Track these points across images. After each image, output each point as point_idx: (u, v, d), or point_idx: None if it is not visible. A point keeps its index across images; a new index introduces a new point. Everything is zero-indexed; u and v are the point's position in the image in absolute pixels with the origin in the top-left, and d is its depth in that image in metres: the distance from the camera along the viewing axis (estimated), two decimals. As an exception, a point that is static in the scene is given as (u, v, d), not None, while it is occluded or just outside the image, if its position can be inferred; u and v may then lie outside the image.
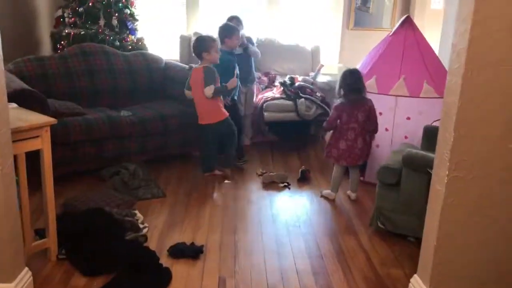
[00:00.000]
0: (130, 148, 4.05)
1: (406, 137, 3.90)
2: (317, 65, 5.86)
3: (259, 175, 4.17)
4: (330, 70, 5.97)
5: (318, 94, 4.99)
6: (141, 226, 3.11)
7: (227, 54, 4.07)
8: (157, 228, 3.17)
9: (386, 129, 3.93)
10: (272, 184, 4.01)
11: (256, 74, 5.45)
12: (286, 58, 5.78)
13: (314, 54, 5.90)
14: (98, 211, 3.01)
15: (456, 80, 2.05)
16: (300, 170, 4.16)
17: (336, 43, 6.19)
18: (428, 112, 3.87)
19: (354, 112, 3.55)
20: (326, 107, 4.90)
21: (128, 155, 4.05)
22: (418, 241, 2.65)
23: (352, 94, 3.53)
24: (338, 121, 3.61)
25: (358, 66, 4.33)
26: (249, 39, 4.76)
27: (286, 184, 4.01)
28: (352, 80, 3.54)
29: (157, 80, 4.70)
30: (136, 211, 3.25)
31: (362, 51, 6.15)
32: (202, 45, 3.75)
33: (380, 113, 3.89)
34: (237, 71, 4.13)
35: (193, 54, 3.84)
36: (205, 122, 3.89)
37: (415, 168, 2.96)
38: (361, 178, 4.05)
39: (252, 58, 4.73)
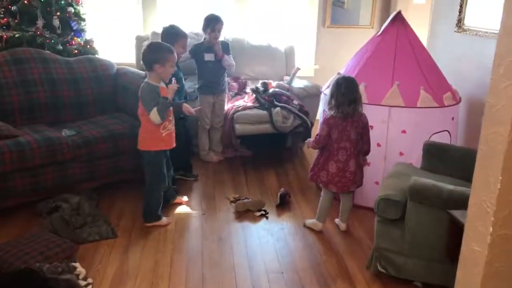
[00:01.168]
0: (74, 175, 3.35)
1: (401, 154, 3.35)
2: (291, 68, 5.25)
3: (231, 202, 3.54)
4: (306, 73, 5.40)
5: (295, 102, 4.38)
6: (82, 283, 2.45)
7: None
8: (104, 283, 2.51)
9: (378, 145, 3.36)
10: (246, 213, 3.39)
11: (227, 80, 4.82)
12: (258, 60, 5.16)
13: (288, 55, 5.29)
14: (26, 274, 2.31)
15: (504, 103, 1.47)
16: (278, 194, 3.55)
17: (312, 42, 5.61)
18: (426, 124, 3.33)
19: (346, 128, 2.96)
20: (304, 117, 4.30)
21: (71, 184, 3.36)
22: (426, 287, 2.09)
23: (346, 107, 2.93)
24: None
25: (341, 72, 3.76)
26: (225, 46, 4.15)
27: (263, 212, 3.39)
28: (347, 90, 2.93)
29: (107, 90, 4.00)
30: (77, 264, 2.57)
31: (340, 51, 5.62)
32: (156, 55, 2.88)
33: (371, 127, 3.32)
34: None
35: (141, 62, 3.07)
36: (139, 147, 3.09)
37: (425, 202, 2.40)
38: None
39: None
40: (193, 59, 4.12)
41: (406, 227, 2.50)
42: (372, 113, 3.30)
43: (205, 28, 4.00)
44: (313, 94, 4.67)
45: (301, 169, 4.28)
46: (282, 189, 3.63)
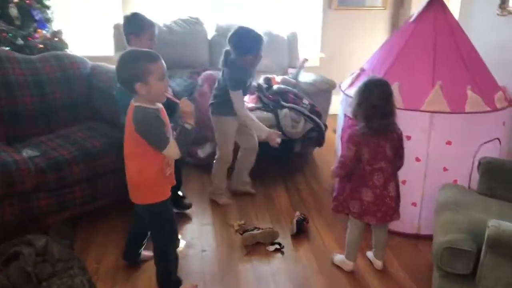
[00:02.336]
0: (40, 208, 2.66)
1: (445, 169, 2.72)
2: (295, 58, 4.59)
3: (237, 231, 2.89)
4: (310, 63, 4.70)
5: (306, 101, 3.71)
6: None
7: None
8: None
9: (417, 159, 2.72)
10: (257, 247, 2.75)
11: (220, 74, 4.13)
12: (257, 50, 4.46)
13: (291, 43, 4.61)
14: None
15: None
16: (294, 221, 2.90)
17: (317, 27, 4.91)
18: (475, 133, 2.71)
19: (380, 144, 2.32)
20: (317, 119, 3.64)
21: (37, 219, 2.68)
22: None
23: (378, 119, 2.29)
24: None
25: (365, 67, 3.09)
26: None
27: (277, 246, 2.75)
28: (379, 98, 2.26)
29: (79, 93, 3.28)
30: None
31: (350, 37, 4.96)
32: (133, 71, 1.94)
33: (408, 137, 2.68)
34: None
35: (117, 85, 2.26)
36: (133, 200, 2.21)
37: (509, 255, 1.78)
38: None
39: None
40: None
41: (479, 285, 1.87)
42: (409, 120, 2.68)
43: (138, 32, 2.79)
44: (324, 90, 4.03)
45: (313, 180, 3.64)
46: (297, 213, 2.99)
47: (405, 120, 2.65)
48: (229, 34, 2.97)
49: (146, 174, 2.07)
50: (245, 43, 2.91)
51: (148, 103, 2.00)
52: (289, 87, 3.82)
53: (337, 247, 2.75)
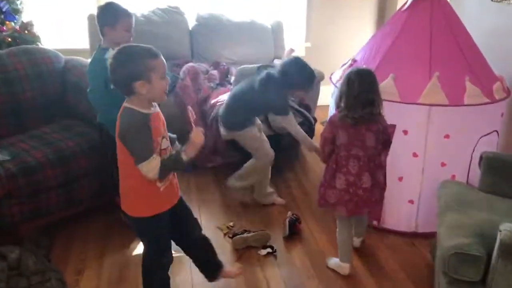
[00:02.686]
0: (12, 216, 2.46)
1: (443, 165, 2.60)
2: (280, 48, 4.43)
3: (226, 234, 2.74)
4: (296, 53, 4.52)
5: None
6: None
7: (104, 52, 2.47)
8: None
9: (415, 154, 2.59)
10: (248, 252, 2.60)
11: (202, 66, 3.95)
12: (240, 40, 4.28)
13: (276, 32, 4.44)
14: None
15: None
16: (286, 221, 2.75)
17: (302, 15, 4.73)
18: (473, 125, 2.59)
19: (360, 132, 2.23)
20: (306, 113, 3.49)
21: (9, 227, 2.48)
22: None
23: (360, 109, 2.18)
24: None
25: (358, 58, 2.93)
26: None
27: (269, 250, 2.60)
28: (362, 88, 2.17)
29: (53, 89, 3.06)
30: None
31: (336, 25, 4.79)
32: (132, 68, 1.71)
33: (405, 132, 2.56)
34: None
35: (112, 87, 1.87)
36: (123, 207, 1.96)
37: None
38: (375, 223, 2.76)
39: None
40: None
41: (491, 292, 1.76)
42: (406, 114, 2.56)
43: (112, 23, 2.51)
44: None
45: (303, 177, 3.49)
46: (289, 213, 2.84)
47: (401, 114, 2.56)
48: (284, 61, 2.76)
49: (132, 182, 1.85)
50: (301, 80, 2.72)
51: (141, 106, 1.76)
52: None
53: (332, 248, 2.61)
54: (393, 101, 2.52)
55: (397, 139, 2.53)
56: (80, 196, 2.70)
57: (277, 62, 4.12)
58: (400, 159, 2.59)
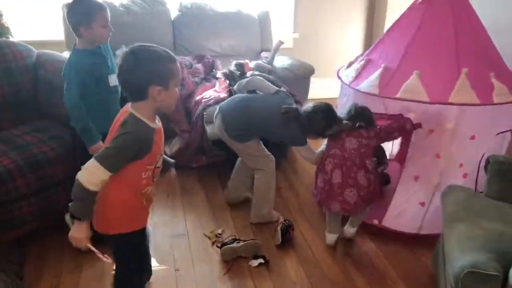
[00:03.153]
0: (-22, 229, 2.24)
1: (461, 165, 2.48)
2: (268, 40, 4.23)
3: (214, 243, 2.56)
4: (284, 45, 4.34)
5: (283, 89, 3.34)
6: None
7: (86, 56, 2.25)
8: None
9: (437, 156, 2.46)
10: (238, 262, 2.42)
11: (186, 59, 3.72)
12: (225, 32, 4.06)
13: (263, 23, 4.23)
14: None
15: None
16: (279, 228, 2.58)
17: (290, 4, 4.53)
18: (495, 124, 2.47)
19: (341, 135, 2.44)
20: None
21: (-24, 242, 2.25)
22: None
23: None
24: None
25: (372, 57, 2.71)
26: None
27: (261, 260, 2.43)
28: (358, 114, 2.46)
29: (25, 87, 2.81)
30: None
31: (325, 14, 4.61)
32: (154, 71, 1.54)
33: (431, 131, 2.42)
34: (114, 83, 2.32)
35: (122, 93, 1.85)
36: (99, 229, 1.71)
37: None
38: (376, 222, 2.62)
39: None
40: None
41: (507, 313, 1.61)
42: (433, 113, 2.40)
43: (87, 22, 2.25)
44: (301, 75, 3.68)
45: (294, 177, 3.33)
46: (281, 218, 2.66)
47: (428, 113, 2.40)
48: (314, 107, 2.47)
49: (120, 195, 1.65)
50: (323, 130, 2.47)
51: (148, 117, 1.59)
52: (264, 74, 3.45)
53: (328, 257, 2.47)
54: (421, 102, 2.36)
55: (421, 138, 2.42)
56: (55, 205, 2.48)
57: (264, 55, 3.93)
58: (421, 159, 2.47)
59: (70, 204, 1.53)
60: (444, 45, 2.45)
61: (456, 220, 1.95)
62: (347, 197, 2.36)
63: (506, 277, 1.61)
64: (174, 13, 4.02)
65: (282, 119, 2.46)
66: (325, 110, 2.45)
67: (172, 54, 1.59)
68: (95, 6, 2.21)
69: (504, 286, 1.61)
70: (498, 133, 2.46)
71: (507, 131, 2.50)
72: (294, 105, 2.56)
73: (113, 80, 2.33)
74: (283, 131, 2.50)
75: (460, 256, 1.71)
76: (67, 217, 2.47)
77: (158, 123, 1.66)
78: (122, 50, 1.58)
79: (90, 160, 1.52)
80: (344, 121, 2.42)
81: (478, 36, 2.51)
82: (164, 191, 2.66)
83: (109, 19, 2.27)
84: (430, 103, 2.34)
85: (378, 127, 2.46)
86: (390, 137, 2.52)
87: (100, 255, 1.59)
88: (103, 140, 2.15)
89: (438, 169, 2.47)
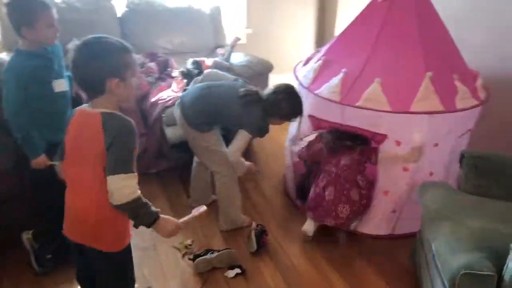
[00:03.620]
0: None
1: (431, 174, 2.43)
2: (221, 36, 4.08)
3: (185, 255, 2.40)
4: (240, 42, 4.19)
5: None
6: None
7: (28, 58, 2.01)
8: None
9: (405, 169, 2.38)
10: (214, 274, 2.28)
11: (137, 58, 3.48)
12: (176, 28, 3.86)
13: (215, 18, 4.06)
14: None
15: None
16: (252, 235, 2.46)
17: (242, 0, 4.39)
18: (457, 128, 2.42)
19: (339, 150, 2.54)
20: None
21: None
22: None
23: None
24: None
25: (329, 57, 2.62)
26: None
27: (238, 270, 2.30)
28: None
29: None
30: None
31: (279, 9, 4.51)
32: (106, 63, 1.43)
33: (398, 143, 2.33)
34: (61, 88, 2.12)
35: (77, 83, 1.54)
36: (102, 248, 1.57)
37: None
38: (351, 228, 2.58)
39: None
40: None
41: (502, 313, 1.59)
42: (397, 123, 2.29)
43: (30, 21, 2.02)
44: (260, 72, 3.57)
45: (260, 177, 3.21)
46: (253, 224, 2.54)
47: (392, 123, 2.29)
48: (277, 88, 2.36)
49: (109, 210, 1.47)
50: (290, 113, 2.37)
51: (116, 110, 1.50)
52: (223, 71, 3.30)
53: (306, 262, 2.39)
54: (383, 111, 2.26)
55: (389, 150, 2.34)
56: (5, 223, 2.22)
57: (220, 51, 3.78)
58: (390, 173, 2.39)
59: (134, 222, 1.49)
60: (408, 47, 2.36)
61: (439, 219, 1.92)
62: (340, 213, 2.40)
63: (499, 276, 1.59)
64: (121, 9, 3.77)
65: (243, 103, 2.31)
66: (288, 90, 2.35)
67: (127, 44, 1.50)
68: (37, 4, 1.98)
69: (499, 285, 1.59)
70: (460, 135, 2.44)
71: (467, 131, 2.49)
72: (255, 89, 2.41)
73: (60, 85, 2.12)
74: (244, 116, 2.33)
75: (453, 257, 1.68)
76: (25, 236, 2.22)
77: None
78: (74, 43, 1.45)
79: (112, 178, 1.39)
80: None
81: (440, 36, 2.47)
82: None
83: (55, 18, 2.04)
84: (391, 112, 2.24)
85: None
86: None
87: (197, 214, 1.70)
88: (50, 150, 1.98)
89: (407, 182, 2.40)
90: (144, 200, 1.47)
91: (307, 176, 2.78)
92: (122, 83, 1.46)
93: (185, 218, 1.64)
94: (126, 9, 3.75)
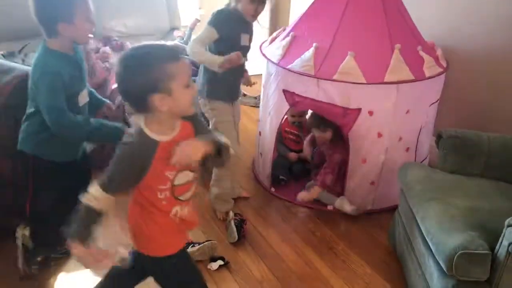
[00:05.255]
0: None
1: (400, 139, 2.50)
2: (176, 18, 3.92)
3: (163, 250, 2.29)
4: (189, 22, 4.04)
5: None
6: None
7: (64, 63, 1.76)
8: None
9: (379, 135, 2.43)
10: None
11: (91, 43, 3.28)
12: (129, 10, 3.70)
13: (170, 0, 3.88)
14: None
15: None
16: (232, 224, 2.39)
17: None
18: (428, 96, 2.52)
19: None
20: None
21: None
22: None
23: None
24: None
25: (296, 33, 2.57)
26: None
27: (221, 261, 2.23)
28: None
29: None
30: None
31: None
32: (144, 77, 1.26)
33: (370, 113, 2.37)
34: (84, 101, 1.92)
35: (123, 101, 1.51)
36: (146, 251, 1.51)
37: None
38: (330, 207, 2.61)
39: None
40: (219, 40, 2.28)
41: (498, 292, 1.64)
42: (372, 94, 2.34)
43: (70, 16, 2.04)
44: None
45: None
46: (231, 214, 2.47)
47: (367, 95, 2.33)
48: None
49: (154, 218, 1.43)
50: None
51: (159, 128, 1.35)
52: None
53: (287, 248, 2.37)
54: (358, 83, 2.28)
55: (363, 121, 2.36)
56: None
57: (177, 34, 3.64)
58: (364, 141, 2.42)
59: None
60: (374, 20, 2.40)
61: (427, 199, 1.94)
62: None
63: (492, 253, 1.64)
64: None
65: None
66: None
67: (175, 50, 1.34)
68: None
69: (494, 262, 1.64)
70: (431, 104, 2.53)
71: (436, 101, 2.59)
72: None
73: (84, 96, 1.89)
74: None
75: (447, 237, 1.70)
76: (20, 232, 2.03)
77: (173, 133, 1.38)
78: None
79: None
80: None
81: (401, 10, 2.51)
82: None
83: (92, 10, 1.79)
84: (366, 83, 2.28)
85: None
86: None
87: None
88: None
89: (382, 148, 2.46)
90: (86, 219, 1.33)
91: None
92: (167, 97, 1.29)
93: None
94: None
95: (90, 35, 1.81)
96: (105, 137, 1.89)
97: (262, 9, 2.29)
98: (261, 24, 2.41)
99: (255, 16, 2.29)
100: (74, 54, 1.82)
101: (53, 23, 1.69)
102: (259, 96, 3.03)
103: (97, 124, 1.85)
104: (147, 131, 1.33)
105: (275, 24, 4.66)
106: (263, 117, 2.80)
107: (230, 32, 2.27)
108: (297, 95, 2.43)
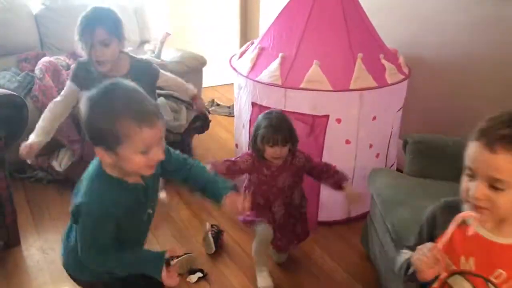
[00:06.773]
0: None
1: (371, 146, 2.58)
2: (147, 31, 3.93)
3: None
4: (159, 35, 4.05)
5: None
6: None
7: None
8: None
9: (347, 142, 2.50)
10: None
11: (61, 59, 3.29)
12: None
13: (139, 14, 3.90)
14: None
15: None
16: (209, 236, 2.42)
17: (163, -7, 4.26)
18: (393, 103, 2.62)
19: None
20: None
21: None
22: None
23: None
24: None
25: (264, 45, 2.63)
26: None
27: (199, 273, 2.26)
28: None
29: None
30: None
31: (200, 1, 4.42)
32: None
33: (338, 120, 2.43)
34: None
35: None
36: None
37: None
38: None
39: None
40: None
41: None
42: (338, 102, 2.41)
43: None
44: (194, 68, 3.49)
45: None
46: (207, 225, 2.51)
47: (333, 102, 2.41)
48: None
49: None
50: None
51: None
52: (156, 70, 3.18)
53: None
54: (326, 91, 2.35)
55: (331, 129, 2.43)
56: None
57: (148, 48, 3.65)
58: (334, 149, 2.48)
59: None
60: (336, 30, 2.46)
61: (397, 204, 2.01)
62: None
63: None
64: (36, 7, 3.49)
65: None
66: None
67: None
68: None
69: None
70: (398, 110, 2.64)
71: (400, 108, 2.68)
72: None
73: None
74: None
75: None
76: None
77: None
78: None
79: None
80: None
81: (363, 20, 2.59)
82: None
83: None
84: (332, 91, 2.35)
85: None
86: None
87: None
88: None
89: (351, 154, 2.53)
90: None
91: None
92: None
93: None
94: (42, 6, 3.48)
95: None
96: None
97: None
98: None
99: None
100: None
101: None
102: (233, 105, 3.07)
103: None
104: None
105: (245, 38, 4.73)
106: (238, 130, 2.85)
107: None
108: (265, 107, 2.48)
